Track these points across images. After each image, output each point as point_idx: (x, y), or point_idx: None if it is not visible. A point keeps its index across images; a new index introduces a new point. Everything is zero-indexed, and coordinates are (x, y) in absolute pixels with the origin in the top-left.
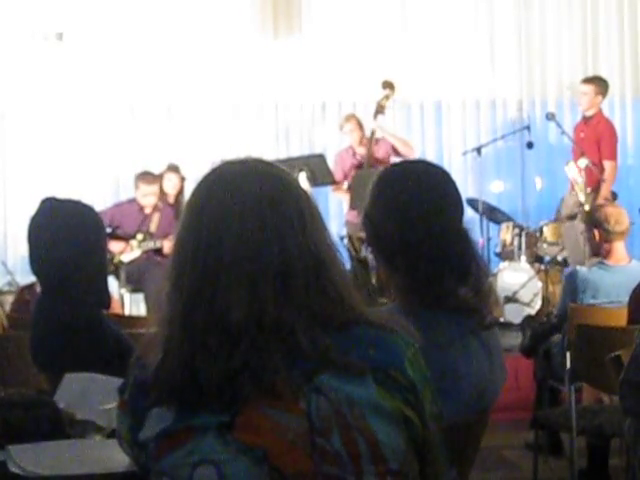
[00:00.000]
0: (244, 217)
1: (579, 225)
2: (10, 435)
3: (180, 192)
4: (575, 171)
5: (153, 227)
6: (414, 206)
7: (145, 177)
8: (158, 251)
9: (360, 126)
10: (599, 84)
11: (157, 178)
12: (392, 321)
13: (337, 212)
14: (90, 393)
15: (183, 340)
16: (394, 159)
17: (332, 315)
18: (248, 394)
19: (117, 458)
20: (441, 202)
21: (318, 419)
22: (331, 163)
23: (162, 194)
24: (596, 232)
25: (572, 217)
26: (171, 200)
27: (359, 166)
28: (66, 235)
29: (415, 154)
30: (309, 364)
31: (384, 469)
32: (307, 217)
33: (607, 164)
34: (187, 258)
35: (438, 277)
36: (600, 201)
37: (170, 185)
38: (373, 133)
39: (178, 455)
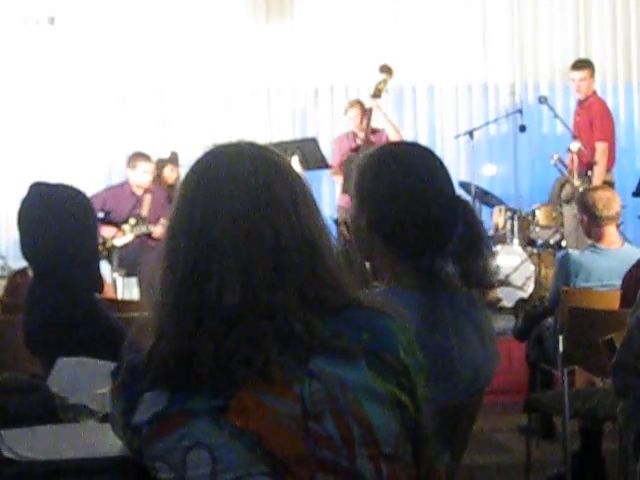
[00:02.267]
0: (237, 200)
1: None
2: (2, 419)
3: (175, 179)
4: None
5: (145, 210)
6: (422, 184)
7: (142, 155)
8: (150, 235)
9: (364, 112)
10: (590, 66)
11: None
12: (385, 304)
13: (329, 196)
14: (83, 377)
15: (176, 324)
16: None
17: (325, 299)
18: (241, 378)
19: (110, 442)
20: (444, 180)
21: (311, 403)
22: (325, 148)
23: (158, 176)
24: (585, 216)
25: (568, 200)
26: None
27: (356, 150)
28: (56, 219)
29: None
30: (302, 348)
31: (377, 453)
32: (300, 200)
33: (599, 145)
34: (180, 242)
35: (452, 256)
36: (591, 185)
37: (173, 176)
38: (370, 112)
39: (171, 439)
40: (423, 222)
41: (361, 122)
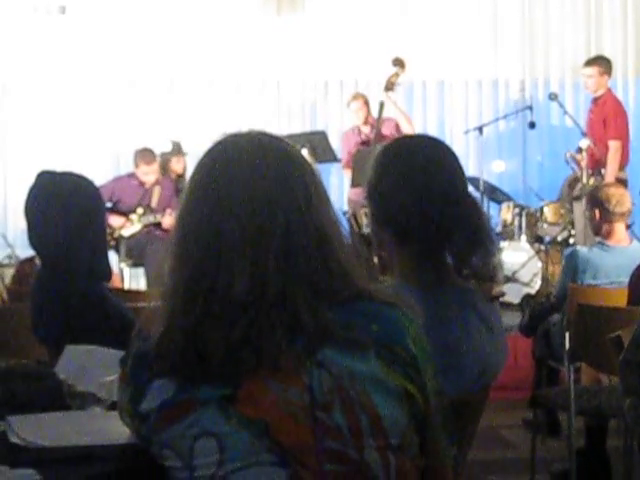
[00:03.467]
0: (248, 190)
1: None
2: (10, 406)
3: (183, 169)
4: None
5: (154, 201)
6: (428, 175)
7: (144, 157)
8: (158, 225)
9: (367, 105)
10: (602, 63)
11: (156, 156)
12: (395, 297)
13: (338, 189)
14: (91, 365)
15: (186, 313)
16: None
17: (335, 290)
18: (250, 367)
19: (118, 430)
20: (451, 172)
21: (320, 393)
22: (334, 141)
23: (164, 169)
24: (597, 212)
25: (579, 197)
26: (174, 175)
27: (364, 144)
28: (63, 208)
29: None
30: (311, 338)
31: (385, 444)
32: (312, 191)
33: (611, 144)
34: (190, 231)
35: (447, 247)
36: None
37: (180, 166)
38: (382, 106)
39: (179, 427)
40: (425, 215)
41: (365, 115)
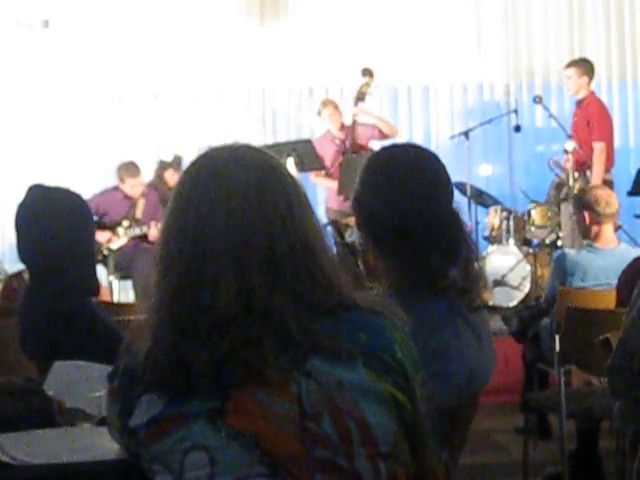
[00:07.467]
0: (231, 204)
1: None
2: None
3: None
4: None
5: (139, 213)
6: (404, 187)
7: (129, 170)
8: (145, 237)
9: (338, 110)
10: (581, 65)
11: (139, 168)
12: (381, 305)
13: (324, 198)
14: (79, 381)
15: (172, 327)
16: (375, 143)
17: (321, 300)
18: (238, 380)
19: (107, 446)
20: (431, 184)
21: (309, 403)
22: None
23: (159, 177)
24: (586, 214)
25: (565, 200)
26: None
27: (340, 152)
28: (53, 222)
29: (398, 134)
30: (299, 349)
31: (375, 452)
32: (294, 203)
33: (595, 146)
34: (174, 245)
35: (427, 258)
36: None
37: (174, 180)
38: (354, 120)
39: (169, 441)
40: (399, 227)
41: (339, 121)
